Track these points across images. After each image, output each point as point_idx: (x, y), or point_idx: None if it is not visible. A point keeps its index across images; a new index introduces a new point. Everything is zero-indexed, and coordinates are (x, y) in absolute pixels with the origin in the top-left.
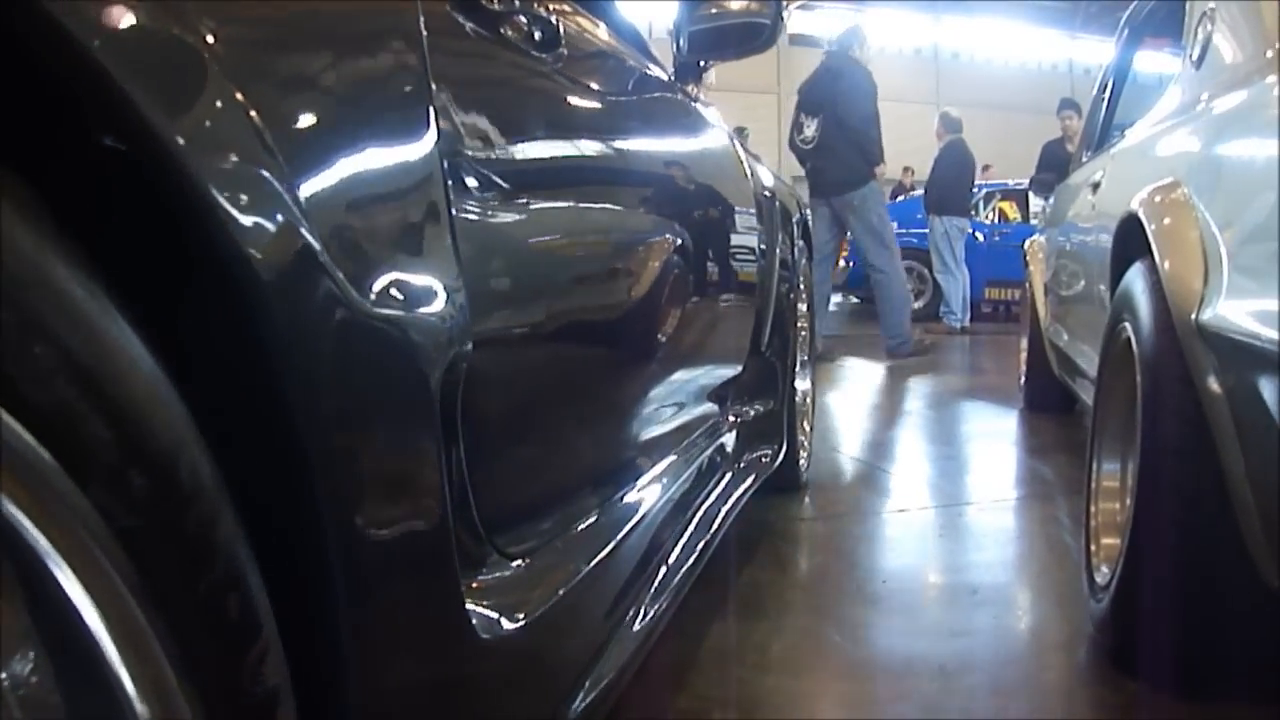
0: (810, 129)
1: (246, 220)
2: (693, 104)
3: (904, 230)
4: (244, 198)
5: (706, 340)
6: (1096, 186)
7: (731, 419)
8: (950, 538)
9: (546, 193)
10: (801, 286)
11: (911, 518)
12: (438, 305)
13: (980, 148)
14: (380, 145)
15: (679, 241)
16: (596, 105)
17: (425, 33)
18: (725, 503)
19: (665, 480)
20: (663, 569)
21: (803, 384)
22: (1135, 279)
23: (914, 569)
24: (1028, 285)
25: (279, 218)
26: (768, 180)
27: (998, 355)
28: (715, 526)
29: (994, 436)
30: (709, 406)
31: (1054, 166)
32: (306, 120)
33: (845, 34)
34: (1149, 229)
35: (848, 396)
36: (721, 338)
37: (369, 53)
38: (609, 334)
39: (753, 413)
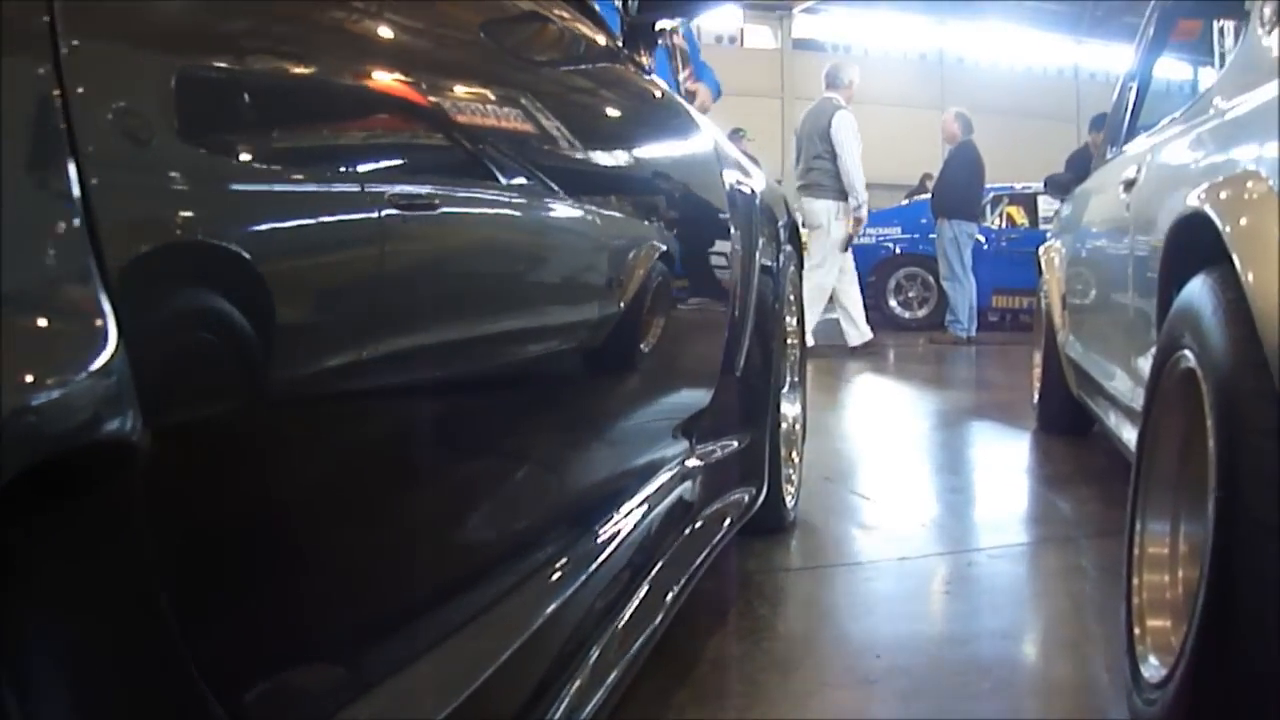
0: None
1: None
2: (645, 78)
3: (908, 235)
4: None
5: (660, 367)
6: (1131, 184)
7: (696, 461)
8: (958, 596)
9: (378, 174)
10: (791, 297)
11: (913, 568)
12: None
13: (985, 152)
14: None
15: (620, 245)
16: (496, 73)
17: None
18: (685, 566)
19: (601, 550)
20: (594, 655)
21: (791, 408)
22: (1201, 294)
23: (915, 639)
24: (1042, 295)
25: None
26: (747, 174)
27: (1007, 368)
28: (672, 595)
29: (1005, 464)
30: (666, 449)
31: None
32: None
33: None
34: (1224, 230)
35: (845, 416)
36: (681, 362)
37: None
38: (502, 372)
39: (725, 450)
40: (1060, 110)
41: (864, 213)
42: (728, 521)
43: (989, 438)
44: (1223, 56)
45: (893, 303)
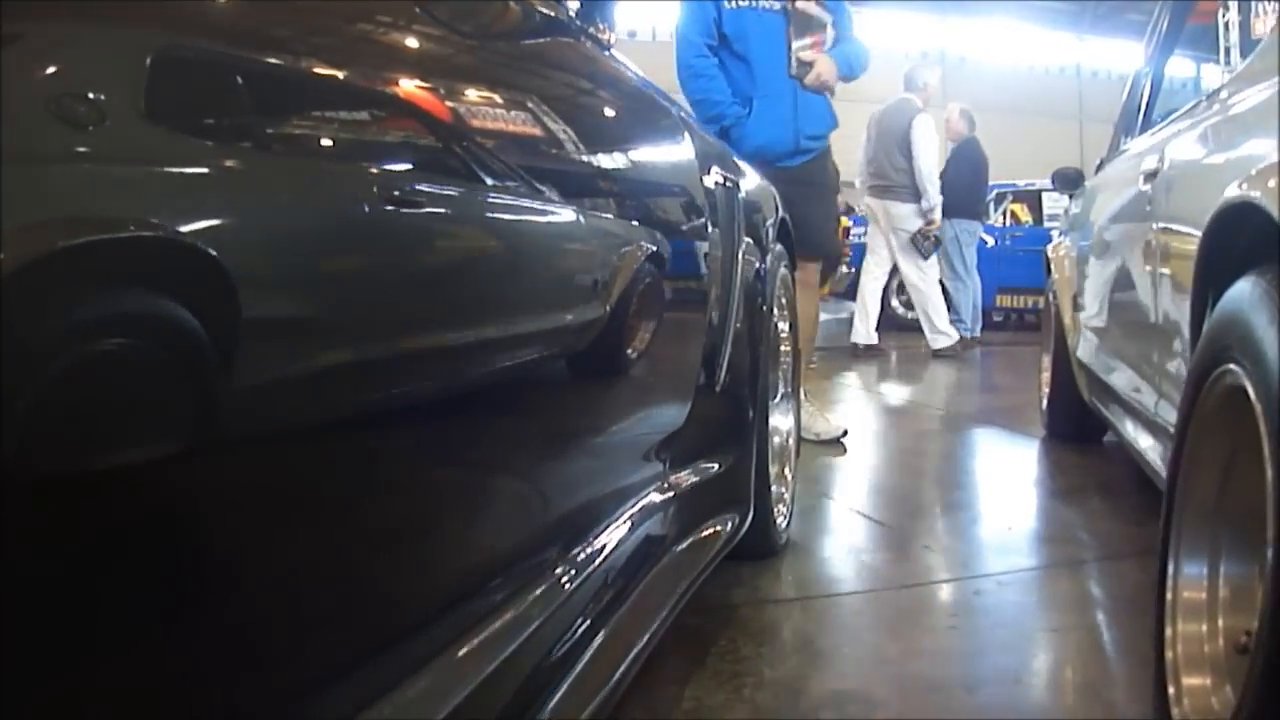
0: None
1: None
2: (605, 56)
3: None
4: None
5: (623, 384)
6: (1152, 175)
7: (667, 490)
8: (964, 631)
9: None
10: (783, 300)
11: (914, 598)
12: None
13: (988, 150)
14: None
15: (573, 246)
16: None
17: None
18: (653, 612)
19: (553, 598)
20: (547, 713)
21: (783, 421)
22: (1251, 300)
23: (918, 685)
24: (1051, 295)
25: None
26: (731, 167)
27: (1012, 370)
28: (639, 645)
29: (1013, 476)
30: (631, 478)
31: None
32: None
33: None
34: None
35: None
36: (649, 377)
37: None
38: (426, 400)
39: (703, 474)
40: (1063, 108)
41: (937, 215)
42: (706, 556)
43: (995, 446)
44: (1228, 50)
45: (895, 302)
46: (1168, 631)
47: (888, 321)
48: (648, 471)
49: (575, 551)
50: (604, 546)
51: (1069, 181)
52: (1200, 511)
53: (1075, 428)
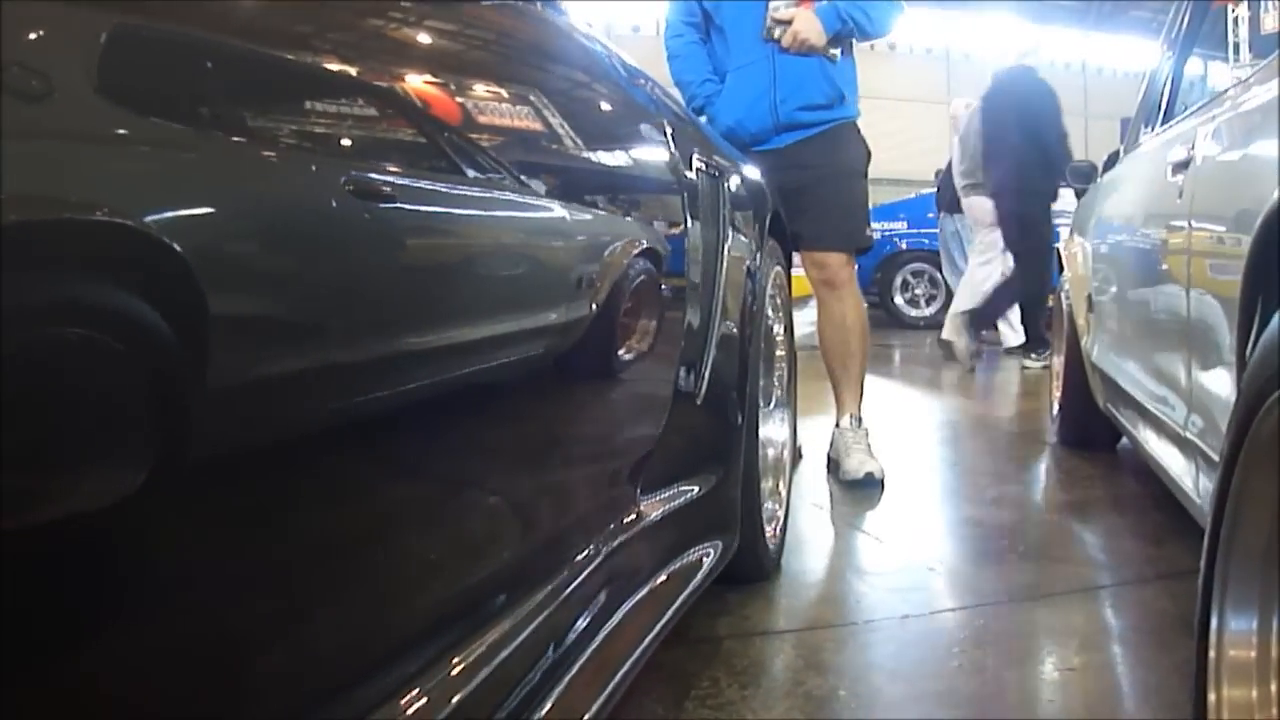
0: None
1: None
2: (559, 22)
3: (914, 230)
4: None
5: (583, 399)
6: (1184, 166)
7: (637, 519)
8: (973, 670)
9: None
10: (778, 301)
11: (918, 630)
12: None
13: None
14: None
15: (515, 239)
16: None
17: None
18: (616, 663)
19: (500, 648)
20: None
21: (778, 432)
22: None
23: None
24: (1063, 295)
25: None
26: (715, 153)
27: (1020, 371)
28: (598, 702)
29: (1023, 488)
30: (594, 507)
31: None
32: None
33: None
34: None
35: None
36: (614, 390)
37: None
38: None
39: (682, 499)
40: (1068, 105)
41: None
42: (682, 593)
43: (1004, 454)
44: (1236, 46)
45: (899, 300)
46: (1210, 697)
47: (891, 320)
48: (613, 500)
49: (524, 597)
50: (560, 589)
51: (1082, 176)
52: (1250, 556)
53: (1088, 435)
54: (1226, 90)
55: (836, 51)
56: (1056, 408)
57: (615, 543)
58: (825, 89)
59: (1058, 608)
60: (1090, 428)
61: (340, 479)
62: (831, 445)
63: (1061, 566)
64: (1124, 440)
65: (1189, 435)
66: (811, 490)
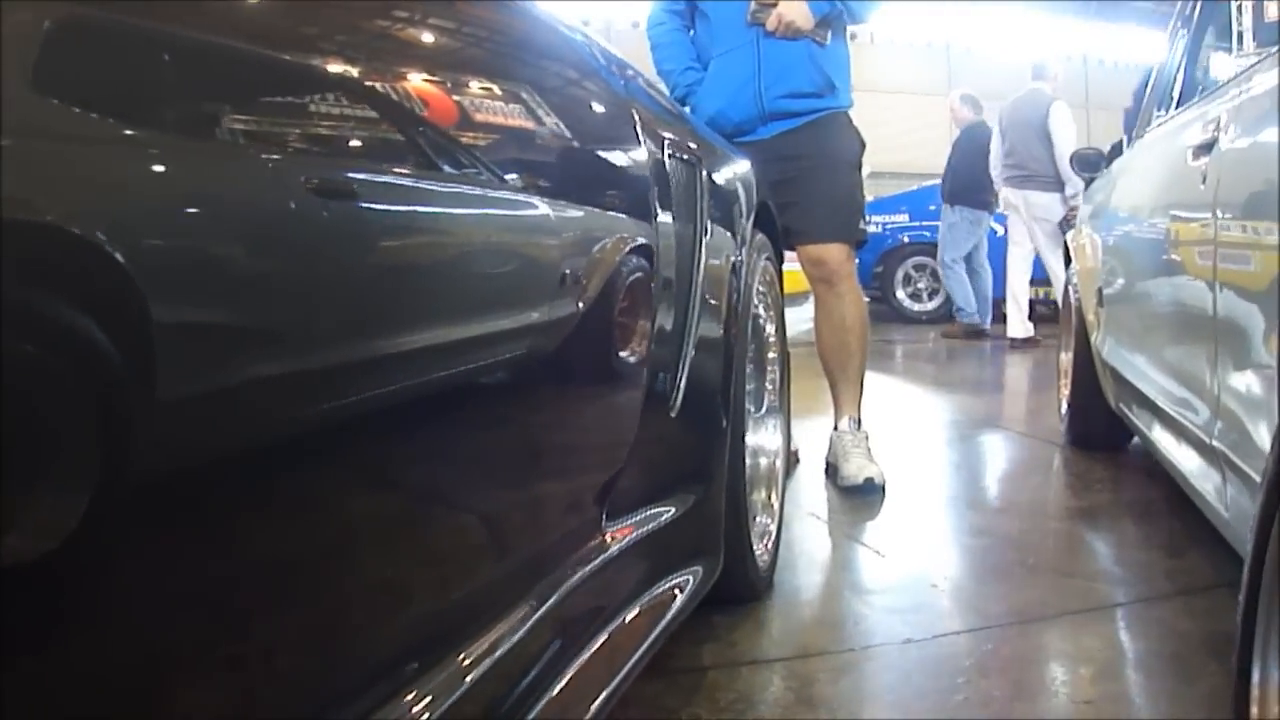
0: None
1: None
2: (526, 8)
3: (916, 223)
4: None
5: (534, 417)
6: (1208, 148)
7: (603, 547)
8: (980, 701)
9: None
10: (768, 299)
11: (919, 656)
12: None
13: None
14: None
15: (454, 235)
16: None
17: None
18: (588, 701)
19: (451, 686)
20: None
21: (770, 439)
22: None
23: None
24: (1072, 289)
25: None
26: (692, 141)
27: (1025, 366)
28: None
29: (1032, 494)
30: (555, 534)
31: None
32: None
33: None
34: None
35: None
36: (574, 405)
37: None
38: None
39: (657, 521)
40: (1069, 96)
41: (1079, 200)
42: (658, 625)
43: (1011, 457)
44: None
45: (901, 294)
46: None
47: (893, 314)
48: (575, 528)
49: (465, 641)
50: (511, 632)
51: (1089, 164)
52: None
53: (1097, 434)
54: (1255, 64)
55: (826, 33)
56: (1065, 406)
57: (577, 576)
58: (813, 76)
59: (1070, 629)
60: (1099, 427)
61: (278, 495)
62: (829, 449)
63: (1073, 581)
64: (1135, 439)
65: (1214, 443)
66: (808, 498)
